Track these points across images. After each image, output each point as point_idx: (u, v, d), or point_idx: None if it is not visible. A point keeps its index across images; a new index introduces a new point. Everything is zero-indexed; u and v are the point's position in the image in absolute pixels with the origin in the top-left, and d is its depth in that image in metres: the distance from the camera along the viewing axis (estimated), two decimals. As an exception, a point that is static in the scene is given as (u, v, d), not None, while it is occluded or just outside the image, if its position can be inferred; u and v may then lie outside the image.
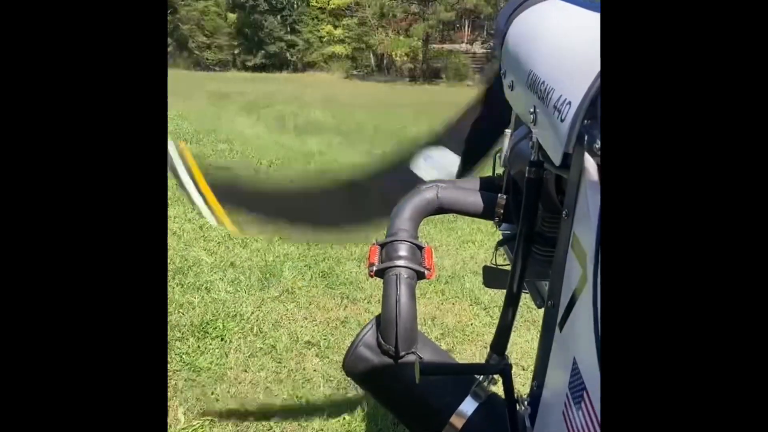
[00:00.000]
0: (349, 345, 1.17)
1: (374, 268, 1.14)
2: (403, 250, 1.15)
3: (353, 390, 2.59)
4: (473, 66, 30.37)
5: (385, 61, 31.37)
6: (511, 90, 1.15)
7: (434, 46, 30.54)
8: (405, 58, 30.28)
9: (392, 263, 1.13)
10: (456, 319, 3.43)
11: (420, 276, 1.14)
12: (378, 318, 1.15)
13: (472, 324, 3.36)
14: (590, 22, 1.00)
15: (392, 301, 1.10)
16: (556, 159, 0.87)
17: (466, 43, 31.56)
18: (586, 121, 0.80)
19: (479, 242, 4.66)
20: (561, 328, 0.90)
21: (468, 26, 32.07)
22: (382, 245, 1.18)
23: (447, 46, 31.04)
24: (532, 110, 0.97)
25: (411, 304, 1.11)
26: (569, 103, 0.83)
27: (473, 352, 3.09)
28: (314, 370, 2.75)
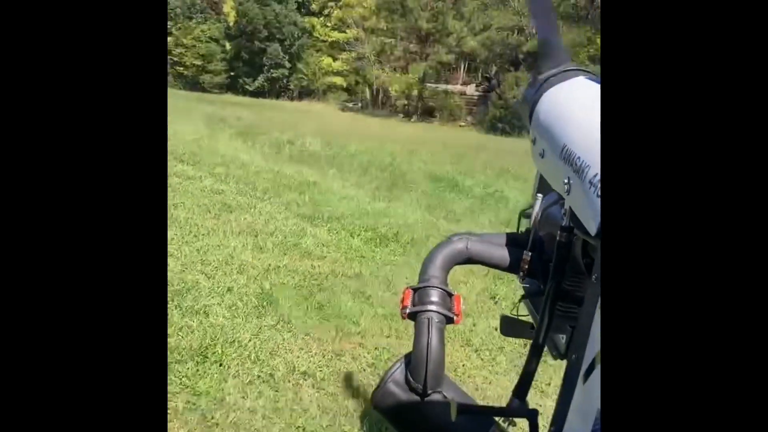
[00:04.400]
0: (377, 381, 1.25)
1: (407, 311, 1.24)
2: (434, 296, 1.24)
3: (350, 424, 2.65)
4: (466, 107, 30.91)
5: (380, 96, 31.80)
6: (542, 157, 1.27)
7: (430, 84, 31.07)
8: (400, 95, 30.73)
9: (425, 307, 1.22)
10: (448, 360, 3.49)
11: (449, 321, 1.24)
12: (407, 356, 1.24)
13: (463, 365, 3.43)
14: None
15: (423, 342, 1.19)
16: (591, 230, 0.97)
17: (461, 85, 32.14)
18: None
19: (471, 284, 4.75)
20: (584, 380, 0.99)
21: (464, 68, 32.70)
22: (415, 290, 1.27)
23: (442, 86, 31.60)
24: (566, 181, 1.08)
25: (440, 347, 1.20)
26: None
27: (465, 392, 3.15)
28: (311, 401, 2.80)
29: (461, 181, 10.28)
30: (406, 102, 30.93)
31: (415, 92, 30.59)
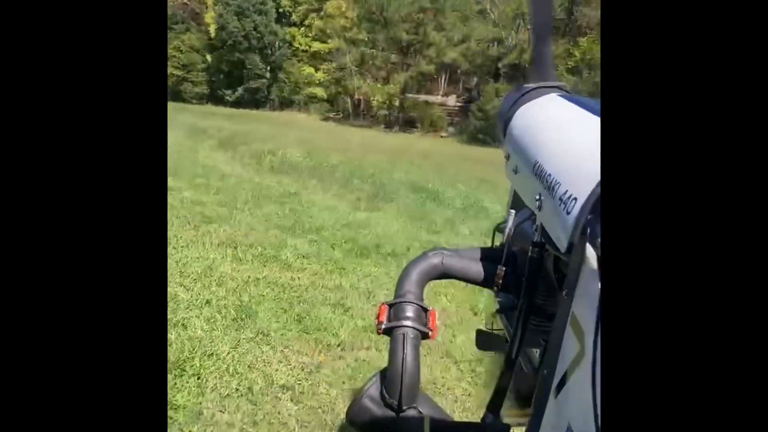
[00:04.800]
0: (353, 396, 1.26)
1: (383, 326, 1.24)
2: (410, 311, 1.25)
3: (328, 437, 2.64)
4: (447, 118, 31.11)
5: (361, 107, 31.89)
6: (515, 173, 1.29)
7: (411, 95, 31.23)
8: (382, 105, 30.85)
9: (400, 323, 1.23)
10: (427, 372, 3.51)
11: (424, 336, 1.25)
12: (382, 372, 1.24)
13: (443, 377, 3.44)
14: (592, 124, 1.15)
15: (399, 358, 1.20)
16: (561, 246, 0.99)
17: (442, 96, 32.35)
18: (589, 216, 0.93)
19: (451, 296, 4.77)
20: (556, 395, 1.01)
21: (445, 80, 32.94)
22: (391, 305, 1.28)
23: (423, 97, 31.77)
24: (537, 197, 1.10)
25: (415, 363, 1.20)
26: (575, 198, 0.96)
27: (444, 404, 3.16)
28: (289, 415, 2.78)
29: (442, 191, 10.33)
30: (387, 112, 31.04)
31: (396, 103, 30.73)
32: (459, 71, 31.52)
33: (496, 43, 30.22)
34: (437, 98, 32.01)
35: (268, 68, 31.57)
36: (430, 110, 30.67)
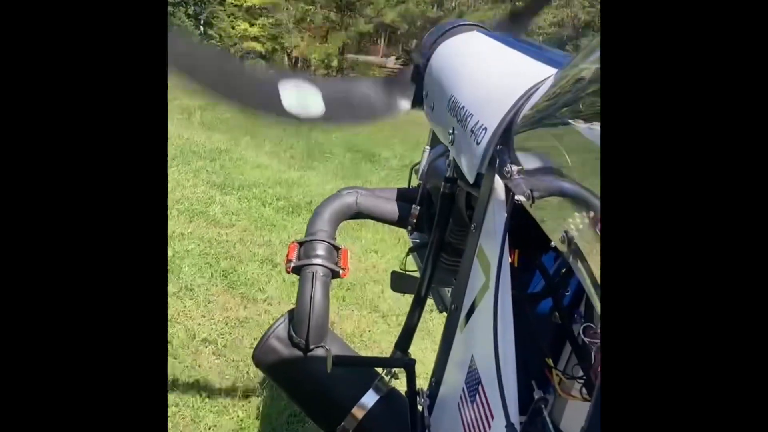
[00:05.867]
0: (258, 338, 1.22)
1: (291, 265, 1.20)
2: (320, 250, 1.22)
3: (250, 389, 2.61)
4: (386, 80, 30.86)
5: (299, 65, 31.21)
6: (432, 111, 1.25)
7: (350, 56, 30.78)
8: (320, 64, 30.27)
9: (309, 261, 1.19)
10: (354, 326, 3.51)
11: (335, 275, 1.21)
12: (291, 312, 1.21)
13: (370, 331, 3.46)
14: (509, 57, 1.12)
15: (307, 296, 1.16)
16: (470, 177, 0.97)
17: (381, 57, 32.03)
18: (498, 147, 0.90)
19: (382, 252, 4.78)
20: (462, 329, 1.00)
21: (384, 40, 32.59)
22: (301, 243, 1.24)
23: (362, 58, 31.37)
24: (451, 132, 1.07)
25: (324, 301, 1.17)
26: (485, 129, 0.93)
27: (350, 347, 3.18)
28: (210, 368, 2.73)
29: (378, 152, 10.28)
30: (326, 72, 30.51)
31: (335, 63, 30.23)
32: (399, 32, 31.23)
33: (435, 5, 30.06)
34: (377, 59, 31.68)
35: (201, 23, 30.31)
36: (370, 71, 30.35)
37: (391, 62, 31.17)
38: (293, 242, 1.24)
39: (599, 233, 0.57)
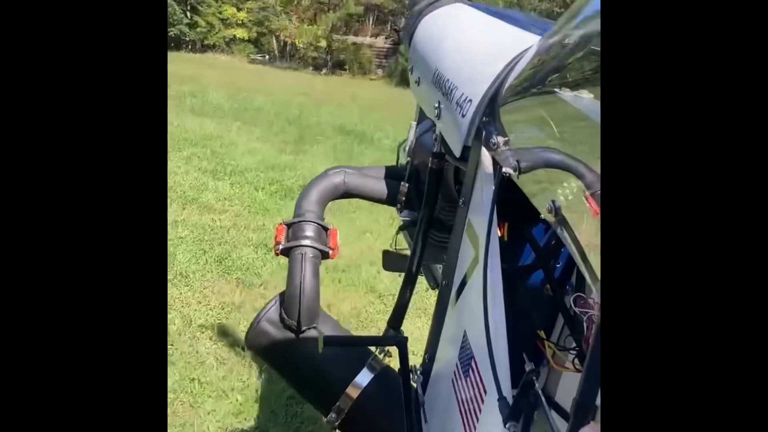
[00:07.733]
0: (250, 322, 1.21)
1: (280, 247, 1.19)
2: (309, 230, 1.20)
3: (247, 373, 2.61)
4: (376, 60, 30.67)
5: (288, 48, 30.94)
6: (417, 85, 1.23)
7: (339, 37, 30.48)
8: (309, 47, 29.99)
9: (298, 242, 1.18)
10: (351, 306, 3.52)
11: (324, 255, 1.20)
12: (282, 294, 1.19)
13: (366, 311, 3.46)
14: (494, 27, 1.10)
15: (297, 278, 1.15)
16: (456, 151, 0.95)
17: (371, 37, 31.76)
18: (484, 118, 0.89)
19: (377, 232, 4.77)
20: (453, 305, 0.99)
21: (372, 20, 32.29)
22: (289, 225, 1.22)
23: (351, 38, 31.09)
24: (436, 105, 1.05)
25: (314, 282, 1.16)
26: (470, 101, 0.92)
27: (343, 327, 3.19)
28: (207, 353, 2.73)
29: (370, 133, 10.23)
30: (315, 55, 30.25)
31: (323, 44, 29.95)
32: (387, 11, 30.93)
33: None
34: (366, 39, 31.41)
35: (188, 8, 29.90)
36: (359, 52, 30.10)
37: (380, 42, 30.92)
38: (281, 224, 1.23)
39: (587, 202, 0.56)
